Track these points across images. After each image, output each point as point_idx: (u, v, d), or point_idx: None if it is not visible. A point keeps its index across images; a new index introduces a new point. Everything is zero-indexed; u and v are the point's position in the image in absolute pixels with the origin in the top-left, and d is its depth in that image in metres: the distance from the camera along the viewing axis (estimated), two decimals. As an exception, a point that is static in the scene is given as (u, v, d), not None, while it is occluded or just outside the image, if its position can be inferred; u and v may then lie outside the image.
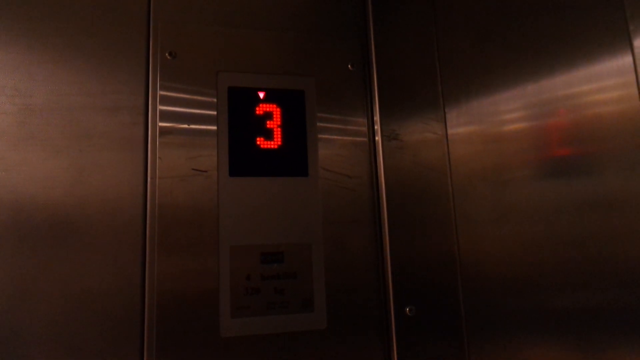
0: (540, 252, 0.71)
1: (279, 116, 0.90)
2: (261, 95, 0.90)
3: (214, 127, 0.86)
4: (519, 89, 0.75)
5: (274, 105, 0.90)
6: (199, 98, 0.87)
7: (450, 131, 0.93)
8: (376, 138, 0.92)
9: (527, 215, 0.73)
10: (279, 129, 0.89)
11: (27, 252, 0.76)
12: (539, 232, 0.71)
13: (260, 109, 0.89)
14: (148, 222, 0.81)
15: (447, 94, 0.94)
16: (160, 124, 0.84)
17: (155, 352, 0.77)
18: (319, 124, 0.92)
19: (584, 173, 0.64)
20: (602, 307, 0.62)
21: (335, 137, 0.92)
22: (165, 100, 0.85)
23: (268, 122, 0.89)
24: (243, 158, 0.87)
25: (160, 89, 0.85)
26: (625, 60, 0.58)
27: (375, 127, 0.92)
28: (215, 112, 0.87)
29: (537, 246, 0.71)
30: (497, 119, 0.81)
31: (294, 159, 0.89)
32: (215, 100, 0.87)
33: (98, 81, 0.83)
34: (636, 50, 0.57)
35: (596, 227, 0.62)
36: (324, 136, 0.91)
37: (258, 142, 0.88)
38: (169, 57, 0.86)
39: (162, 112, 0.84)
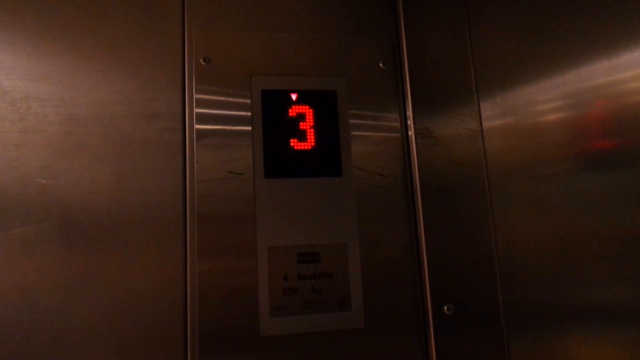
0: (582, 248, 0.69)
1: (311, 117, 0.90)
2: (294, 97, 0.91)
3: (249, 128, 0.88)
4: (556, 78, 0.73)
5: (307, 107, 0.91)
6: (234, 101, 0.88)
7: (485, 126, 0.91)
8: (409, 136, 0.92)
9: (567, 211, 0.71)
10: (312, 130, 0.90)
11: (76, 255, 0.79)
12: (580, 228, 0.69)
13: (293, 111, 0.90)
14: (188, 224, 0.83)
15: (482, 88, 0.92)
16: (197, 126, 0.86)
17: (198, 350, 0.79)
18: (352, 122, 0.92)
19: (627, 165, 0.62)
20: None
21: (369, 136, 0.92)
22: (201, 105, 0.87)
23: (301, 123, 0.90)
24: (277, 160, 0.88)
25: (196, 93, 0.87)
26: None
27: (409, 124, 0.92)
28: (249, 114, 0.88)
29: (578, 242, 0.70)
30: (533, 111, 0.79)
31: (327, 159, 0.90)
32: (249, 103, 0.89)
33: (137, 89, 0.86)
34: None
35: (641, 221, 0.60)
36: (357, 135, 0.92)
37: (292, 144, 0.89)
38: (203, 63, 0.88)
39: (198, 117, 0.86)
